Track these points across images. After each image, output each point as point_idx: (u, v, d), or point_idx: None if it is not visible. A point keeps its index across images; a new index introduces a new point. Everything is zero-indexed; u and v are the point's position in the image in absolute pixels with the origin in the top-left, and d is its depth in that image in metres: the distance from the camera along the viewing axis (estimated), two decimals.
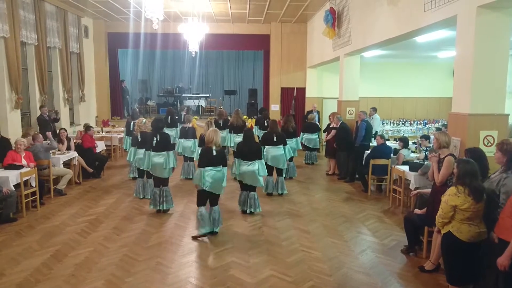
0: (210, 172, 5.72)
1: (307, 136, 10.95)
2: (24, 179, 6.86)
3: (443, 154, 4.82)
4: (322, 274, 4.74)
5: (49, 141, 8.05)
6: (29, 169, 7.07)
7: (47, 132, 8.38)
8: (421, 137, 8.50)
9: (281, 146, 8.00)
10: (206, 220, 5.81)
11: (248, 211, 6.90)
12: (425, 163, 6.76)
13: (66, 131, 9.21)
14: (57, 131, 9.33)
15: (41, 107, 10.45)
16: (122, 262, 5.04)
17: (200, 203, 5.86)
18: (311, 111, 12.41)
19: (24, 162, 7.16)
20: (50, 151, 8.06)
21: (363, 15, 8.63)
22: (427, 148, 7.92)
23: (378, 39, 7.93)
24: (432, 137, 8.59)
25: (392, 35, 7.25)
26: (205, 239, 5.82)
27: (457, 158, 4.69)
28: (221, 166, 5.87)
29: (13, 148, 7.39)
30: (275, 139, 7.95)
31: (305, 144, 11.02)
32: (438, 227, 4.04)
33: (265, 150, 7.91)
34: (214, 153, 5.77)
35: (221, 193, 5.98)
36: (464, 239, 3.78)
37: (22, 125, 9.77)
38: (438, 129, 10.38)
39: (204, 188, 5.72)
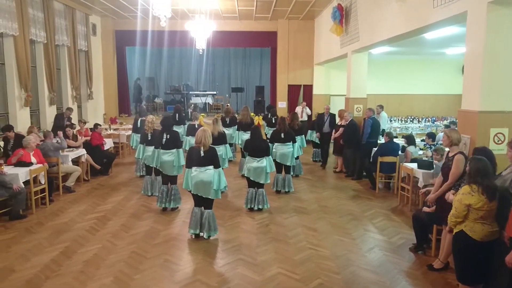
0: (194, 173, 5.49)
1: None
2: (33, 176, 6.92)
3: (452, 152, 4.77)
4: (329, 272, 4.73)
5: (59, 140, 8.14)
6: (38, 166, 7.11)
7: (58, 132, 8.51)
8: (427, 134, 8.44)
9: (290, 143, 7.99)
10: (192, 221, 5.65)
11: (256, 208, 6.91)
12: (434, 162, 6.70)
13: (72, 128, 9.31)
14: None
15: (67, 109, 10.78)
16: (130, 259, 5.07)
17: (195, 203, 5.69)
18: (322, 114, 10.98)
19: (33, 160, 7.21)
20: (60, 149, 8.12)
21: (371, 11, 8.56)
22: (431, 146, 7.86)
23: (386, 36, 7.87)
24: (441, 134, 8.55)
25: (401, 32, 7.19)
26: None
27: (467, 156, 4.64)
28: (211, 167, 5.52)
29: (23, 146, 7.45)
30: (282, 136, 7.94)
31: (315, 141, 11.00)
32: (451, 227, 3.99)
33: (273, 147, 7.92)
34: (202, 153, 5.46)
35: (210, 196, 5.53)
36: (477, 238, 3.74)
37: (31, 123, 9.86)
38: (446, 126, 10.28)
39: (189, 190, 5.59)
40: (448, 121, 12.29)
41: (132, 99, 17.26)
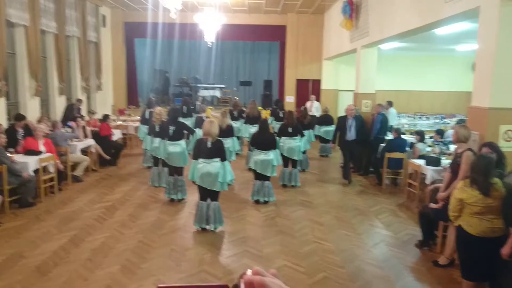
0: (201, 165, 5.47)
1: (324, 128, 10.89)
2: (43, 165, 7.00)
3: (460, 148, 4.75)
4: (334, 266, 4.75)
5: (72, 129, 8.31)
6: (48, 155, 7.19)
7: (71, 122, 8.69)
8: (435, 131, 8.39)
9: (297, 137, 7.99)
10: (197, 216, 5.66)
11: (262, 200, 6.94)
12: (442, 158, 6.67)
13: (81, 119, 9.40)
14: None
15: (77, 100, 10.88)
16: (137, 248, 5.13)
17: (200, 197, 5.66)
18: (344, 118, 8.56)
19: (42, 149, 7.28)
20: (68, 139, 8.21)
21: (381, 6, 8.50)
22: (439, 143, 7.82)
23: (396, 31, 7.81)
24: (450, 131, 8.49)
25: (411, 27, 7.13)
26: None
27: (476, 152, 4.61)
28: (217, 159, 5.50)
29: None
30: (290, 130, 7.95)
31: (323, 136, 10.98)
32: (452, 220, 4.04)
33: (281, 141, 7.92)
34: (209, 145, 5.46)
35: (216, 188, 5.51)
36: (473, 233, 3.75)
37: (41, 112, 9.96)
38: (458, 122, 10.20)
39: (194, 181, 5.59)
40: (456, 118, 12.20)
41: (158, 91, 17.62)
